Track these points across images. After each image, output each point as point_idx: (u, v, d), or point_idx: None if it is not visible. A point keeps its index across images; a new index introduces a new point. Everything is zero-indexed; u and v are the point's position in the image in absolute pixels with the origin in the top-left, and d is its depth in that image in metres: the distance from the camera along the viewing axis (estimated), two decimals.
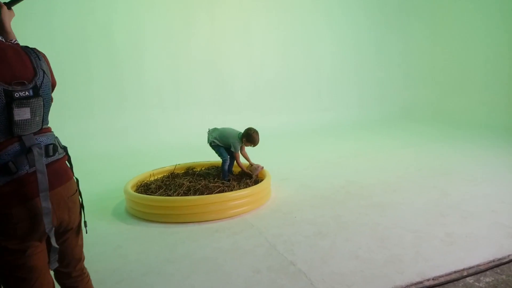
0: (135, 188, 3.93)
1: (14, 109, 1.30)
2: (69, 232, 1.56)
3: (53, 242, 1.41)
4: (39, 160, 1.36)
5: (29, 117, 1.35)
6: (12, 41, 1.58)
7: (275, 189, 4.13)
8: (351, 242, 2.93)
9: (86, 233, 1.70)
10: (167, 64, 7.19)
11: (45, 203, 1.35)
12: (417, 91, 9.06)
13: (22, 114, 1.32)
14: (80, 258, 1.68)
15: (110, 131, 6.66)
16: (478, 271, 2.47)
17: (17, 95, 1.31)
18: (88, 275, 1.74)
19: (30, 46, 1.50)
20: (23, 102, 1.33)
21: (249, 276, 2.53)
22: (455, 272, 2.48)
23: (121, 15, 6.80)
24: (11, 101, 1.29)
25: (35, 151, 1.36)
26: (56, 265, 1.45)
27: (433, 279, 2.42)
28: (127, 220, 3.58)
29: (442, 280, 2.41)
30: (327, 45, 8.45)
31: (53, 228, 1.40)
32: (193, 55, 7.34)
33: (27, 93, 1.34)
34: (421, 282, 2.39)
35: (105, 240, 3.16)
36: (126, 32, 6.85)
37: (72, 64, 6.38)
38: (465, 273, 2.46)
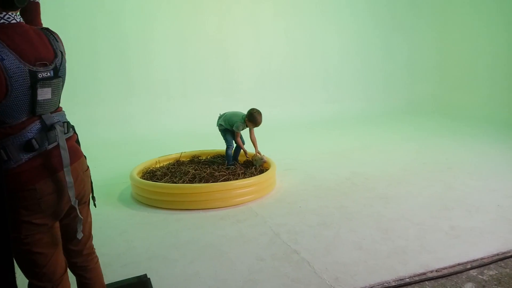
0: (141, 174, 3.95)
1: (38, 89, 1.34)
2: (82, 206, 1.61)
3: (78, 213, 1.49)
4: (61, 136, 1.43)
5: (50, 97, 1.40)
6: None
7: (280, 179, 4.14)
8: (355, 233, 2.94)
9: (95, 207, 1.74)
10: (175, 52, 7.17)
11: (68, 178, 1.42)
12: (423, 85, 8.98)
13: (44, 94, 1.37)
14: (90, 235, 1.72)
15: (117, 118, 6.68)
16: (481, 264, 2.48)
17: (40, 75, 1.35)
18: (97, 256, 1.78)
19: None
20: (46, 82, 1.37)
21: (252, 263, 2.56)
22: (458, 264, 2.49)
23: (130, 3, 6.77)
24: (35, 82, 1.33)
25: (58, 128, 1.42)
26: (81, 234, 1.54)
27: (436, 270, 2.42)
28: (132, 206, 3.61)
29: (445, 272, 2.41)
30: (335, 37, 8.37)
31: (77, 201, 1.48)
32: (201, 44, 7.31)
33: (48, 74, 1.38)
34: (424, 274, 2.39)
35: (111, 224, 3.20)
36: (134, 20, 6.82)
37: (79, 51, 6.37)
38: (468, 266, 2.47)
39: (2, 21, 1.30)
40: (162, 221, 3.25)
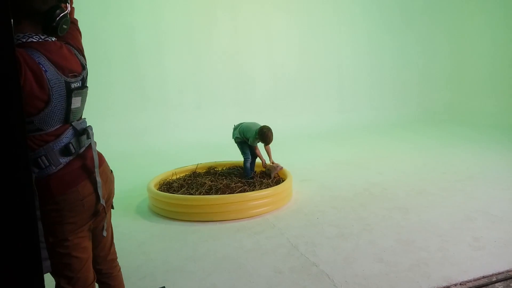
0: (158, 186, 3.97)
1: (72, 98, 1.45)
2: (107, 207, 1.67)
3: (108, 213, 1.63)
4: (93, 139, 1.55)
5: (79, 105, 1.52)
6: None
7: (296, 190, 4.10)
8: (375, 245, 2.88)
9: (113, 208, 1.78)
10: (189, 64, 7.26)
11: (98, 178, 1.53)
12: (438, 94, 8.87)
13: (76, 103, 1.48)
14: (112, 240, 1.77)
15: (132, 130, 6.76)
16: (507, 277, 2.40)
17: (73, 86, 1.46)
18: (119, 264, 1.81)
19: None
20: (78, 92, 1.48)
21: (271, 276, 2.52)
22: (483, 277, 2.41)
23: (143, 15, 6.90)
24: (70, 91, 1.44)
25: (90, 132, 1.54)
26: (105, 232, 1.62)
27: (460, 284, 2.35)
28: (150, 217, 3.62)
29: (470, 285, 2.34)
30: (348, 46, 8.36)
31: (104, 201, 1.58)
32: (214, 56, 7.39)
33: (78, 84, 1.50)
34: (448, 287, 2.33)
35: (128, 236, 3.21)
36: (147, 31, 6.94)
37: (94, 64, 6.40)
38: (494, 279, 2.39)
39: (40, 40, 1.42)
40: (179, 233, 3.25)
